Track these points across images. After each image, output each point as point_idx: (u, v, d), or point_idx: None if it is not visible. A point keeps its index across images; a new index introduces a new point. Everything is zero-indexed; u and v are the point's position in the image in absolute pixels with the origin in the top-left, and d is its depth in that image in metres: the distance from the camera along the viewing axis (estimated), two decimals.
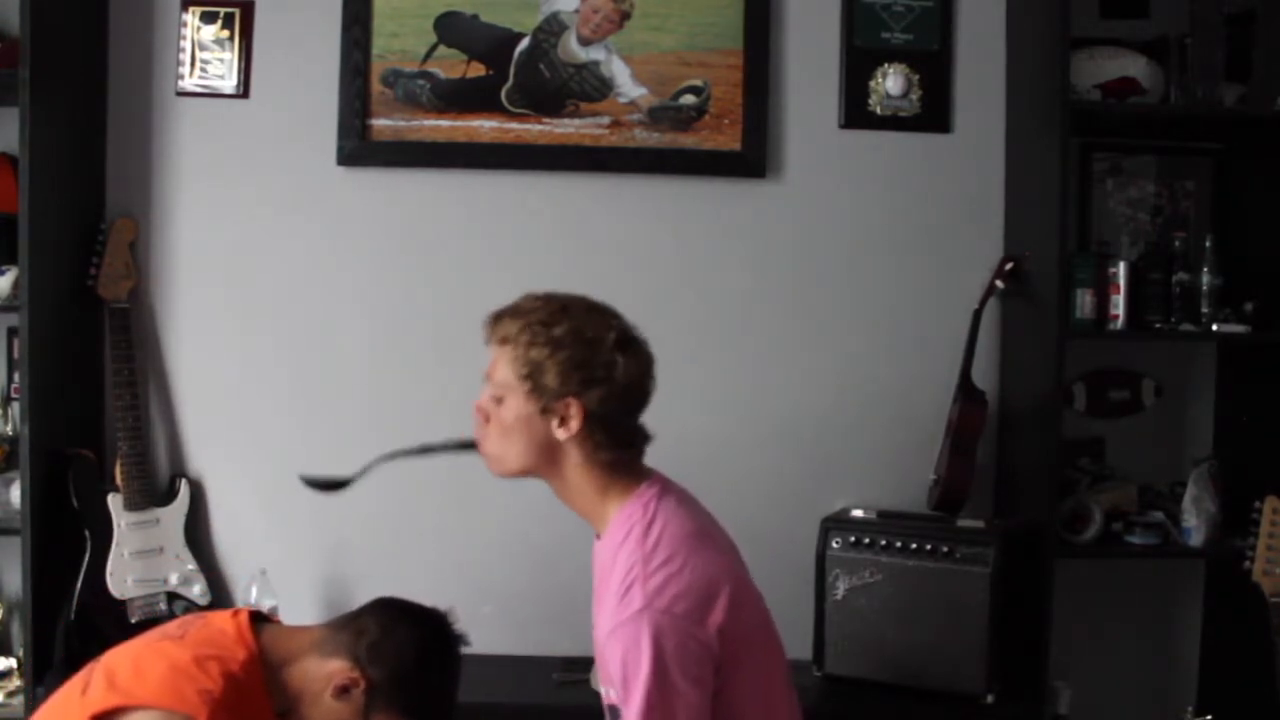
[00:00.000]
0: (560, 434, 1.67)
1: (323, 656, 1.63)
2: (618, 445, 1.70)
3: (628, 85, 2.70)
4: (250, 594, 2.49)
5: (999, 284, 2.61)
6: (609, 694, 1.68)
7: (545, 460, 1.71)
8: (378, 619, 1.67)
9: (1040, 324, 2.53)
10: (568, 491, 1.74)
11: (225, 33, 2.69)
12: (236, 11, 2.69)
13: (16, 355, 2.63)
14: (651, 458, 1.80)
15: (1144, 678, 2.80)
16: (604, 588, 1.71)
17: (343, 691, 1.60)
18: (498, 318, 1.73)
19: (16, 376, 2.65)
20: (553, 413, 1.67)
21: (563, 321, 1.68)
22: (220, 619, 1.65)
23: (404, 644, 1.64)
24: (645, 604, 1.58)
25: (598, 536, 1.77)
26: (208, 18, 2.69)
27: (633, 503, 1.70)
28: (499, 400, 1.70)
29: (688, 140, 2.70)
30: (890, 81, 2.71)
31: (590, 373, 1.66)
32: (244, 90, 2.70)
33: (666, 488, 1.74)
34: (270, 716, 1.61)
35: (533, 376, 1.66)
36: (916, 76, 2.72)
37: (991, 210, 2.73)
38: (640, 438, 1.74)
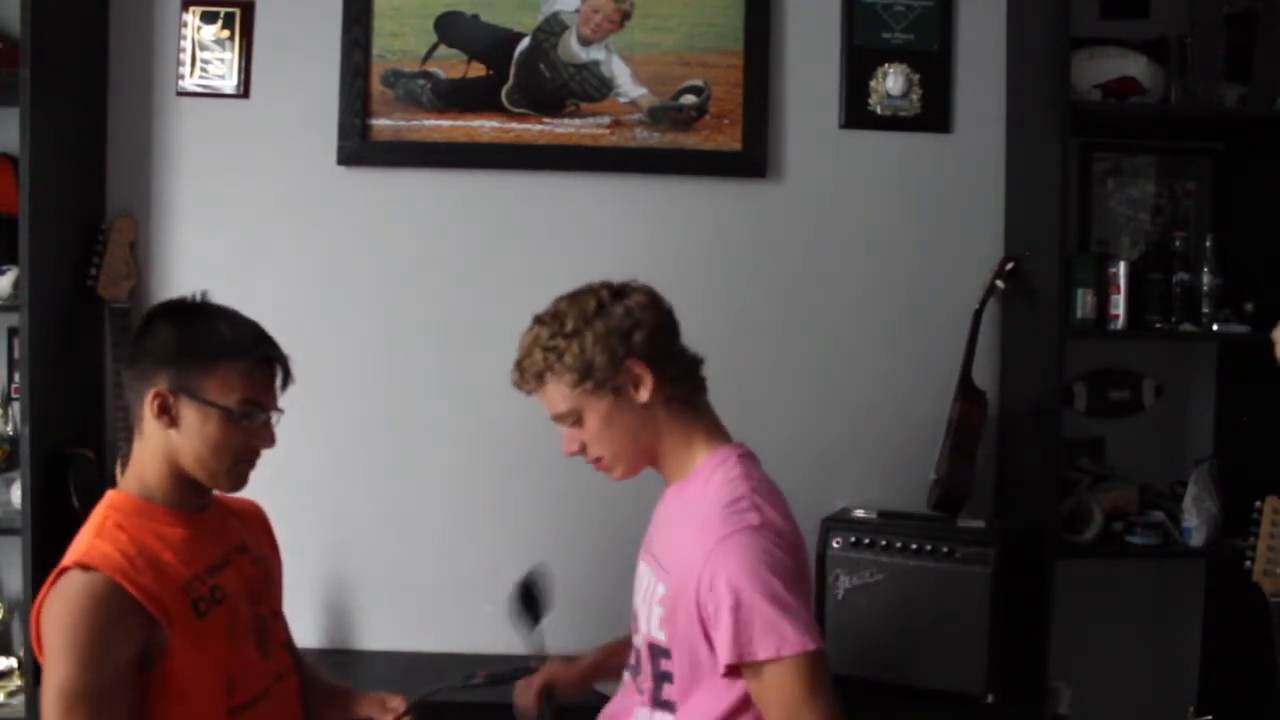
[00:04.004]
0: (644, 395, 1.70)
1: (140, 430, 1.63)
2: (686, 374, 1.76)
3: (628, 85, 2.70)
4: None
5: (999, 284, 2.61)
6: (652, 632, 1.70)
7: (647, 435, 1.74)
8: (128, 360, 1.65)
9: (1040, 324, 2.53)
10: (664, 454, 1.76)
11: (225, 33, 2.69)
12: (236, 11, 2.69)
13: (16, 355, 2.64)
14: None
15: (1144, 678, 2.80)
16: (678, 525, 1.72)
17: (162, 412, 1.58)
18: (520, 369, 1.76)
19: (16, 376, 2.65)
20: (624, 387, 1.70)
21: (565, 318, 1.72)
22: None
23: (161, 337, 1.62)
24: (763, 523, 1.62)
25: (668, 484, 1.81)
26: (208, 18, 2.69)
27: (725, 450, 1.75)
28: (579, 421, 1.73)
29: (688, 140, 2.70)
30: (890, 81, 2.71)
31: (620, 330, 1.70)
32: (244, 90, 2.70)
33: (755, 459, 1.78)
34: (171, 516, 1.61)
35: (586, 374, 1.69)
36: (916, 76, 2.72)
37: (991, 210, 2.73)
38: (695, 361, 1.79)
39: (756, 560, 1.58)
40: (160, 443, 1.61)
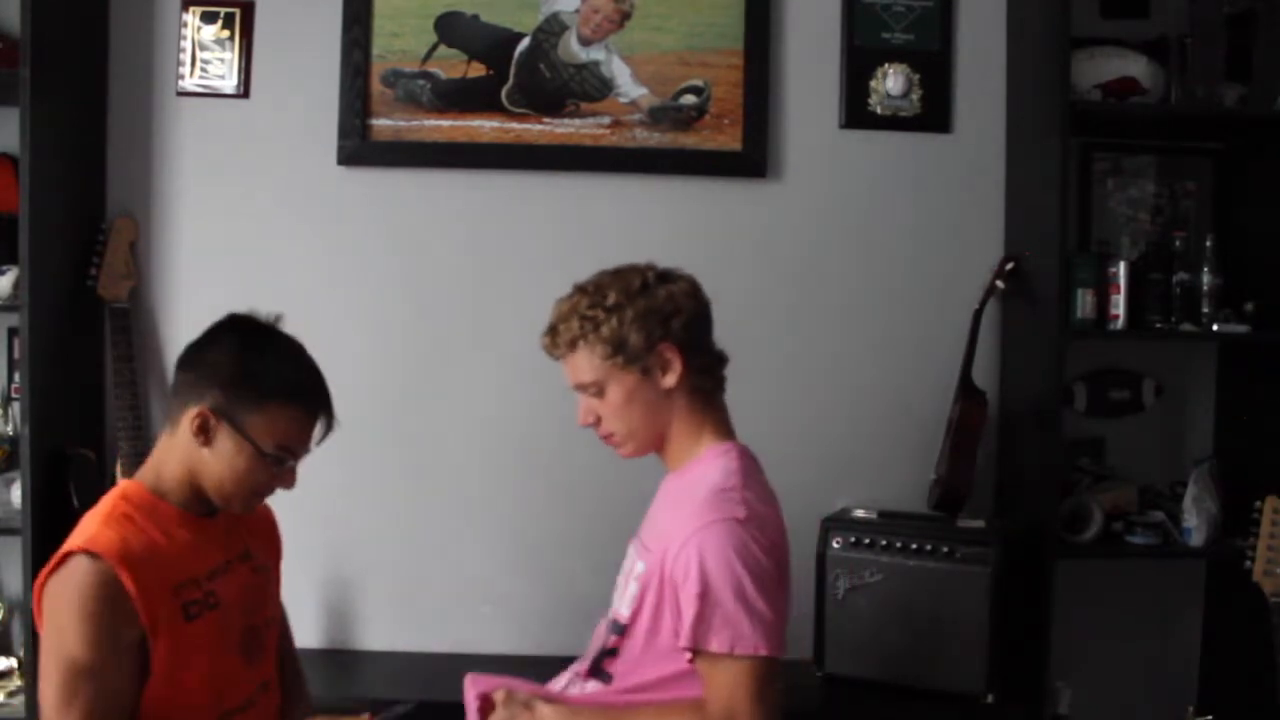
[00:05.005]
0: (669, 381, 1.73)
1: (172, 430, 1.63)
2: (711, 369, 1.79)
3: (628, 85, 2.70)
4: None
5: (999, 284, 2.61)
6: (621, 609, 1.73)
7: (663, 419, 1.76)
8: (185, 362, 1.65)
9: (1040, 324, 2.53)
10: (672, 440, 1.78)
11: (225, 33, 2.69)
12: (236, 11, 2.69)
13: (16, 355, 2.64)
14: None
15: (1144, 678, 2.80)
16: (668, 508, 1.75)
17: (201, 430, 1.59)
18: (553, 332, 1.77)
19: (16, 376, 2.65)
20: (653, 369, 1.72)
21: (607, 292, 1.73)
22: None
23: (224, 354, 1.62)
24: (748, 518, 1.63)
25: (669, 472, 1.83)
26: (208, 18, 2.69)
27: (730, 444, 1.77)
28: (600, 393, 1.74)
29: (688, 140, 2.70)
30: (890, 81, 2.71)
31: (661, 313, 1.72)
32: (244, 90, 2.70)
33: (756, 461, 1.80)
34: (179, 517, 1.62)
35: (619, 349, 1.71)
36: (917, 76, 2.72)
37: (991, 210, 2.73)
38: (721, 359, 1.82)
39: (733, 553, 1.60)
40: (188, 452, 1.61)
